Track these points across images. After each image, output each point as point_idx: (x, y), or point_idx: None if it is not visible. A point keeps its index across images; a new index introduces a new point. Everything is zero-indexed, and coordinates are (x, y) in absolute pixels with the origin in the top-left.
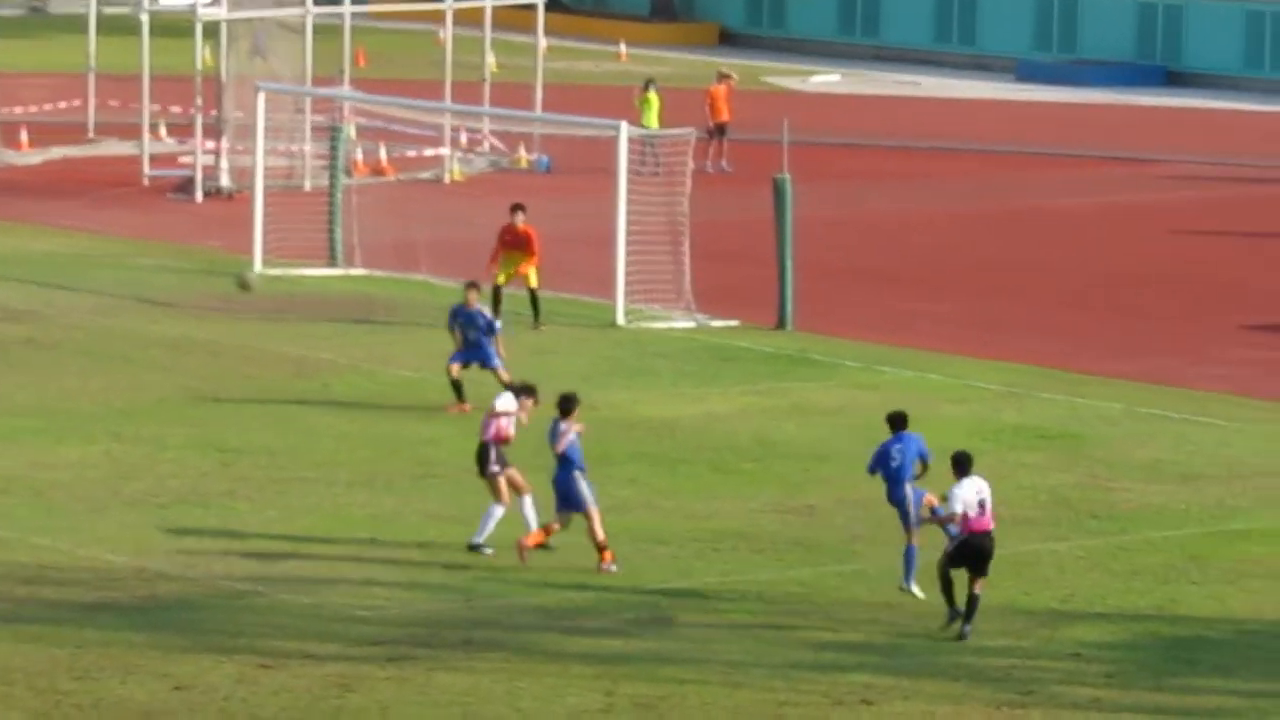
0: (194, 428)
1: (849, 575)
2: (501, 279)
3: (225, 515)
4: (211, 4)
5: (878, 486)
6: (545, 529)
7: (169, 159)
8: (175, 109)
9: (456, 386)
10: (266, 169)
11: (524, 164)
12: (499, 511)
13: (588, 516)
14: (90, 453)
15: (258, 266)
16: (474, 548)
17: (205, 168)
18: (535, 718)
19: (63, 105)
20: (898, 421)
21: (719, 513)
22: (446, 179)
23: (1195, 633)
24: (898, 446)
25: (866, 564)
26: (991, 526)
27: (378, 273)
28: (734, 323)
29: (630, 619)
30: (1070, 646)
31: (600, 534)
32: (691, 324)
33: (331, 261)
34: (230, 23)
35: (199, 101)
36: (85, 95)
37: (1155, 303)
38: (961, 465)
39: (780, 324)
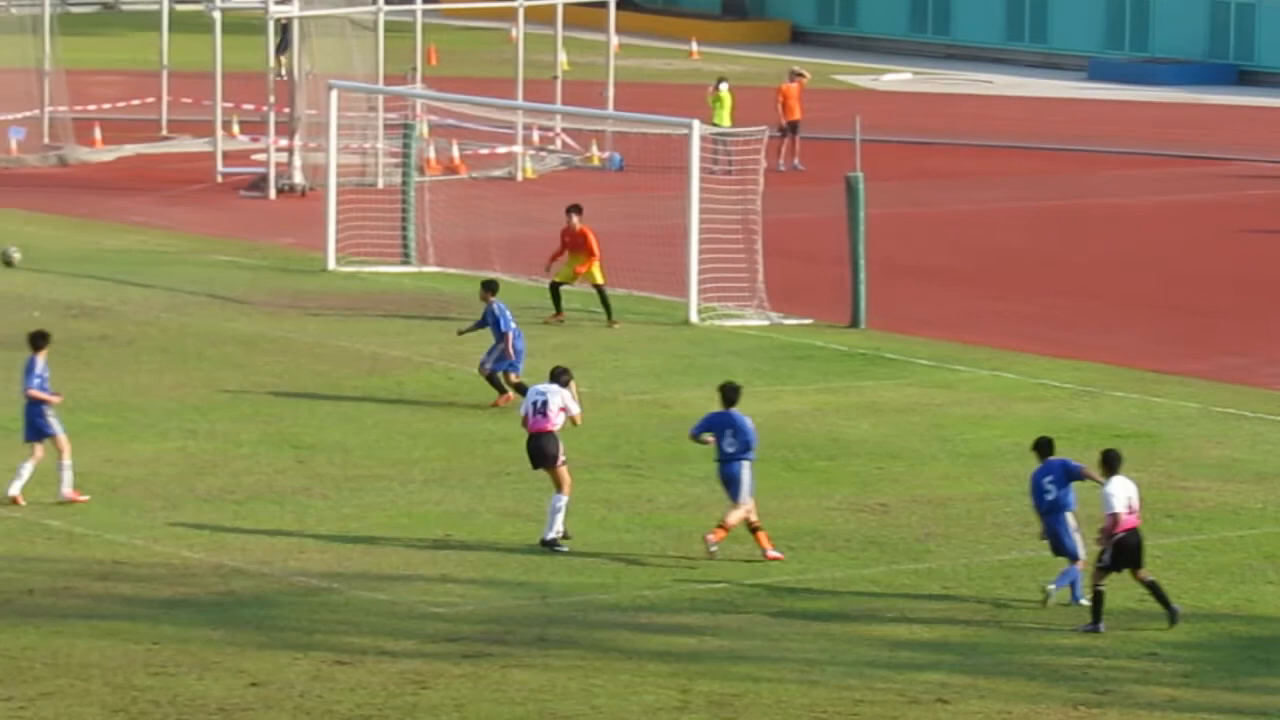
0: (268, 424)
1: (923, 573)
2: (559, 277)
3: (300, 512)
4: (283, 1)
5: (951, 486)
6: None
7: (242, 156)
8: (248, 106)
9: (493, 380)
10: (339, 166)
11: (596, 162)
12: (563, 501)
13: (736, 506)
14: (165, 449)
15: (331, 264)
16: (548, 544)
17: (278, 165)
18: (610, 715)
19: (135, 102)
20: (1044, 448)
21: (793, 510)
22: (519, 177)
23: (1272, 632)
24: (1049, 478)
25: (940, 562)
26: (1139, 522)
27: (450, 270)
28: (807, 321)
29: (705, 616)
30: (1147, 646)
31: (733, 522)
32: (764, 322)
33: (404, 259)
34: (302, 20)
35: (272, 99)
36: (158, 92)
37: (1228, 301)
38: (1111, 463)
39: (853, 322)
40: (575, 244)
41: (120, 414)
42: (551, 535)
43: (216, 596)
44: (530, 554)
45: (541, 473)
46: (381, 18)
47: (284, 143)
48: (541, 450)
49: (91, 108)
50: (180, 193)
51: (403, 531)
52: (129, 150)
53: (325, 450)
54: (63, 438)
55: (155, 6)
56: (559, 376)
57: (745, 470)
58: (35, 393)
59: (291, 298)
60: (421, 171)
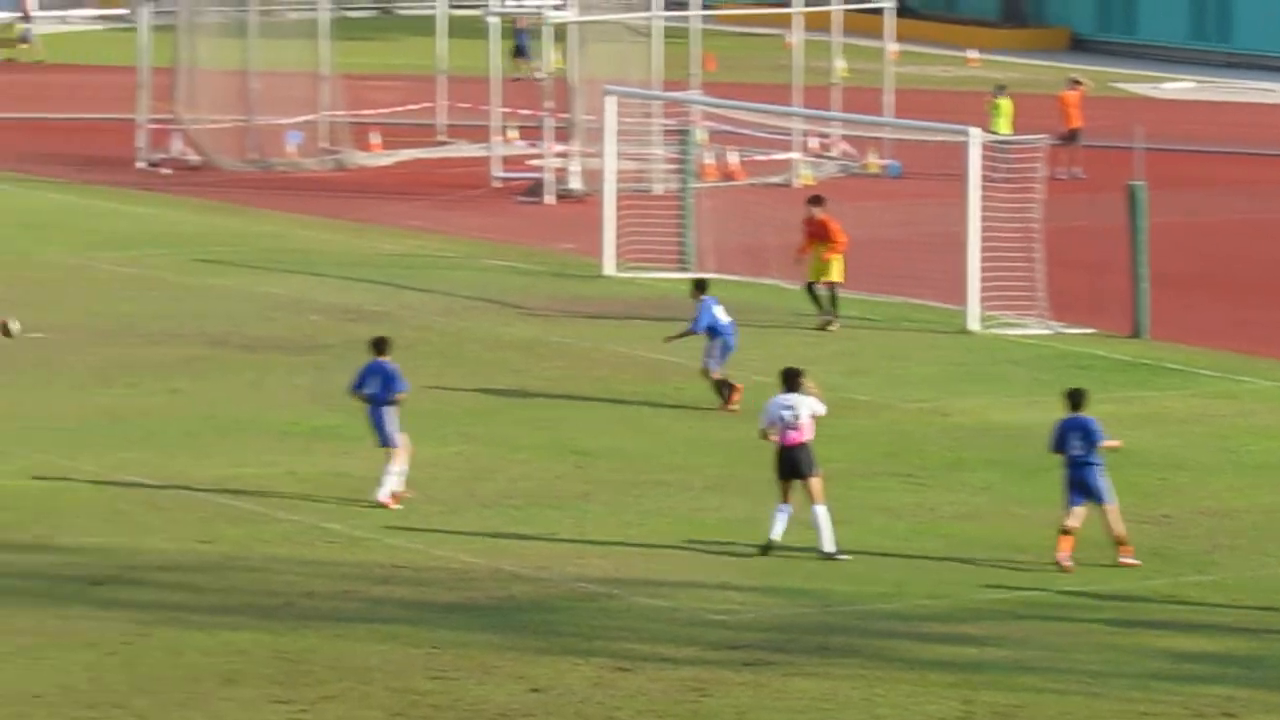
0: (547, 430)
1: (1207, 585)
2: (812, 276)
3: (580, 517)
4: (561, 7)
5: (1237, 497)
6: (1065, 531)
7: (518, 161)
8: (525, 111)
9: (719, 386)
10: (617, 172)
11: (874, 169)
12: (824, 511)
13: (1106, 511)
14: (444, 454)
15: (607, 269)
16: (828, 555)
17: (555, 170)
18: None
19: (413, 107)
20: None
21: None
22: (796, 183)
23: None
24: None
25: (1225, 574)
26: None
27: (728, 276)
28: (1088, 330)
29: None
30: None
31: (1121, 529)
32: (1046, 331)
33: (682, 265)
34: (580, 26)
35: (548, 104)
36: (435, 97)
37: None
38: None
39: (1135, 332)
40: (816, 233)
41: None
42: (829, 548)
43: (496, 601)
44: (811, 561)
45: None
46: (658, 23)
47: (561, 148)
48: (796, 463)
49: (369, 112)
50: (457, 198)
51: (682, 538)
52: (406, 155)
53: (604, 456)
54: (401, 443)
55: (432, 11)
56: (793, 379)
57: (1099, 473)
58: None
59: (569, 303)
60: (699, 178)
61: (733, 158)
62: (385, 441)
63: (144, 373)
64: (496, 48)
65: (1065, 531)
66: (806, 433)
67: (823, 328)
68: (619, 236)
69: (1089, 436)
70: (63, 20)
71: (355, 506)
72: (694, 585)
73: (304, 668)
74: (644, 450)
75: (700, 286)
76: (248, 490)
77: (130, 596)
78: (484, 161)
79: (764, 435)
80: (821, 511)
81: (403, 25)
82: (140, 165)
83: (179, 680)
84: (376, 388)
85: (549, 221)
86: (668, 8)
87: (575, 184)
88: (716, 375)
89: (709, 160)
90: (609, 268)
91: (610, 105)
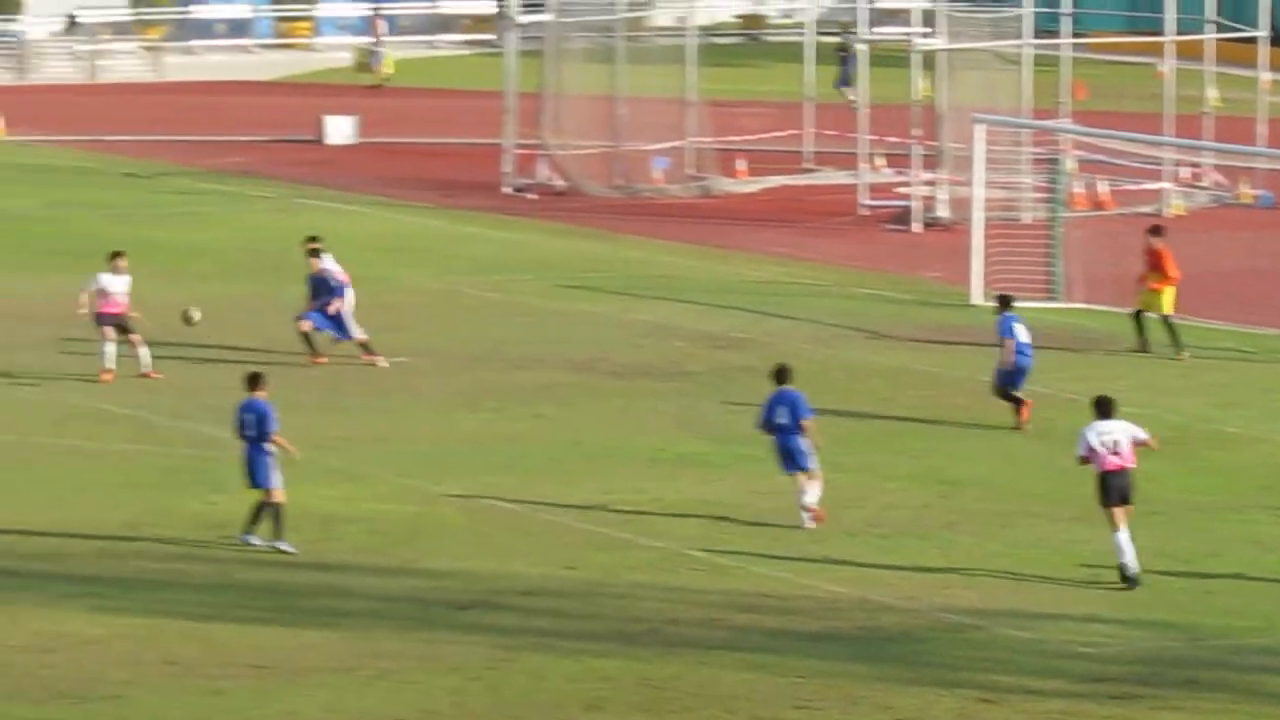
0: (914, 459)
1: None
2: (1140, 305)
3: (946, 547)
4: (929, 35)
5: None
6: None
7: (885, 189)
8: (892, 139)
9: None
10: (985, 200)
11: (1246, 199)
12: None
13: None
14: None
15: (974, 298)
16: (1129, 579)
17: (923, 198)
18: None
19: (779, 134)
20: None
21: None
22: (1167, 213)
23: None
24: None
25: None
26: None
27: (1097, 306)
28: None
29: None
30: None
31: None
32: None
33: (1051, 294)
34: (948, 53)
35: (916, 132)
36: (802, 124)
37: None
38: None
39: None
40: (1152, 263)
41: (765, 445)
42: (1133, 570)
43: (862, 631)
44: (1179, 594)
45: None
46: (1028, 51)
47: (928, 176)
48: (1124, 489)
49: (735, 139)
50: (823, 225)
51: (1050, 569)
52: (772, 182)
53: (971, 485)
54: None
55: (800, 38)
56: (1106, 407)
57: None
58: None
59: (935, 331)
60: (1068, 206)
61: (1102, 187)
62: (797, 467)
63: (509, 398)
64: (865, 74)
65: None
66: (1131, 460)
67: (1140, 349)
68: (986, 265)
69: None
70: (430, 45)
71: (721, 534)
72: (1060, 617)
73: (668, 695)
74: (1011, 480)
75: (1004, 302)
76: (614, 516)
77: (495, 621)
78: (851, 189)
79: (1081, 462)
80: (1124, 536)
81: (770, 52)
82: (506, 190)
83: (542, 706)
84: (785, 417)
85: (916, 249)
86: (1037, 35)
87: (942, 212)
88: (1016, 392)
89: (1078, 189)
90: (976, 296)
91: (979, 133)
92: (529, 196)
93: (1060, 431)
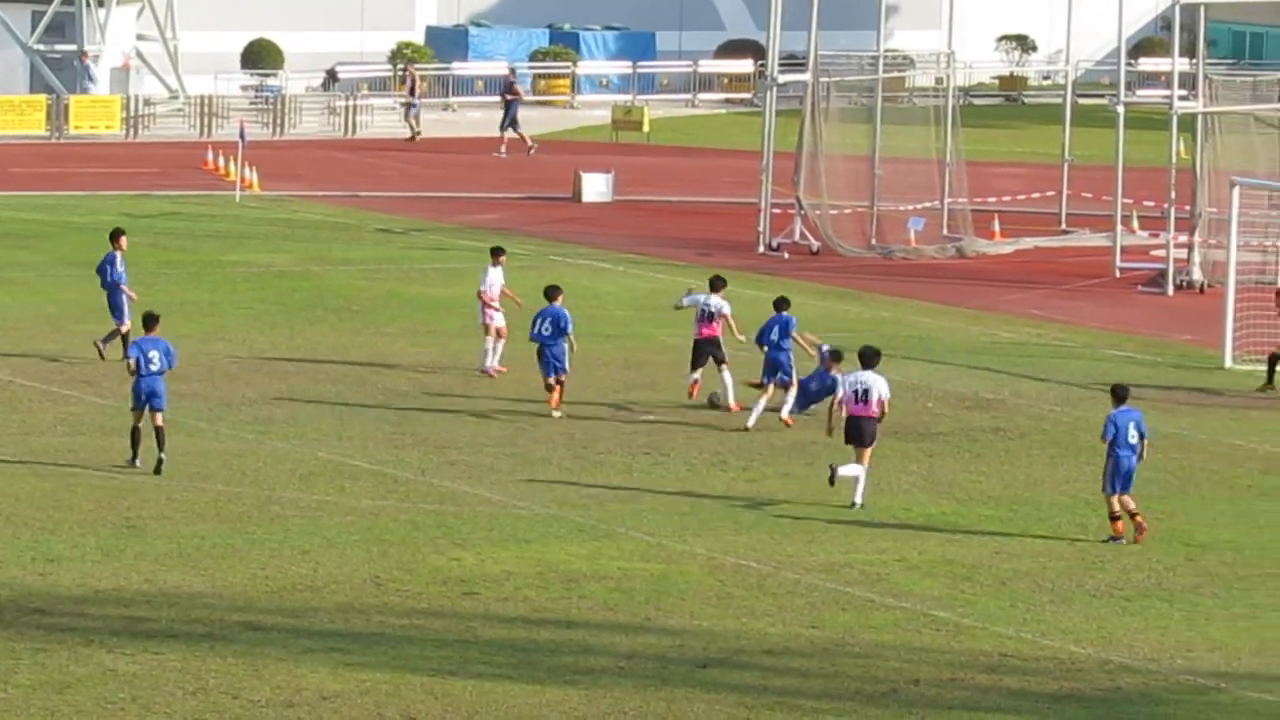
0: (1160, 521)
1: None
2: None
3: (1190, 610)
4: (1188, 97)
5: None
6: None
7: (1140, 251)
8: (1148, 202)
9: None
10: (1239, 263)
11: None
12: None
13: None
14: (1055, 544)
15: (1228, 361)
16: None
17: (1177, 261)
18: None
19: (1035, 195)
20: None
21: None
22: None
23: None
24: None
25: None
26: None
27: None
28: None
29: None
30: None
31: None
32: None
33: None
34: (1206, 116)
35: (1173, 195)
36: (1058, 186)
37: None
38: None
39: None
40: None
41: (1011, 506)
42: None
43: (1103, 693)
44: None
45: None
46: None
47: (1184, 239)
48: (861, 431)
49: (991, 200)
50: (1077, 287)
51: None
52: (1027, 243)
53: (1217, 548)
54: None
55: (1059, 100)
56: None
57: None
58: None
59: (1187, 395)
60: None
61: None
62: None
63: (757, 457)
64: (1122, 137)
65: None
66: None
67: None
68: (1239, 328)
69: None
70: (689, 104)
71: (963, 594)
72: None
73: None
74: (1258, 543)
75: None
76: (857, 575)
77: (737, 680)
78: (1106, 251)
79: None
80: (857, 469)
81: (1028, 114)
82: (760, 249)
83: None
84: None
85: (1170, 312)
86: None
87: (1196, 275)
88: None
89: None
90: (1229, 359)
91: (1236, 196)
92: (784, 256)
93: None
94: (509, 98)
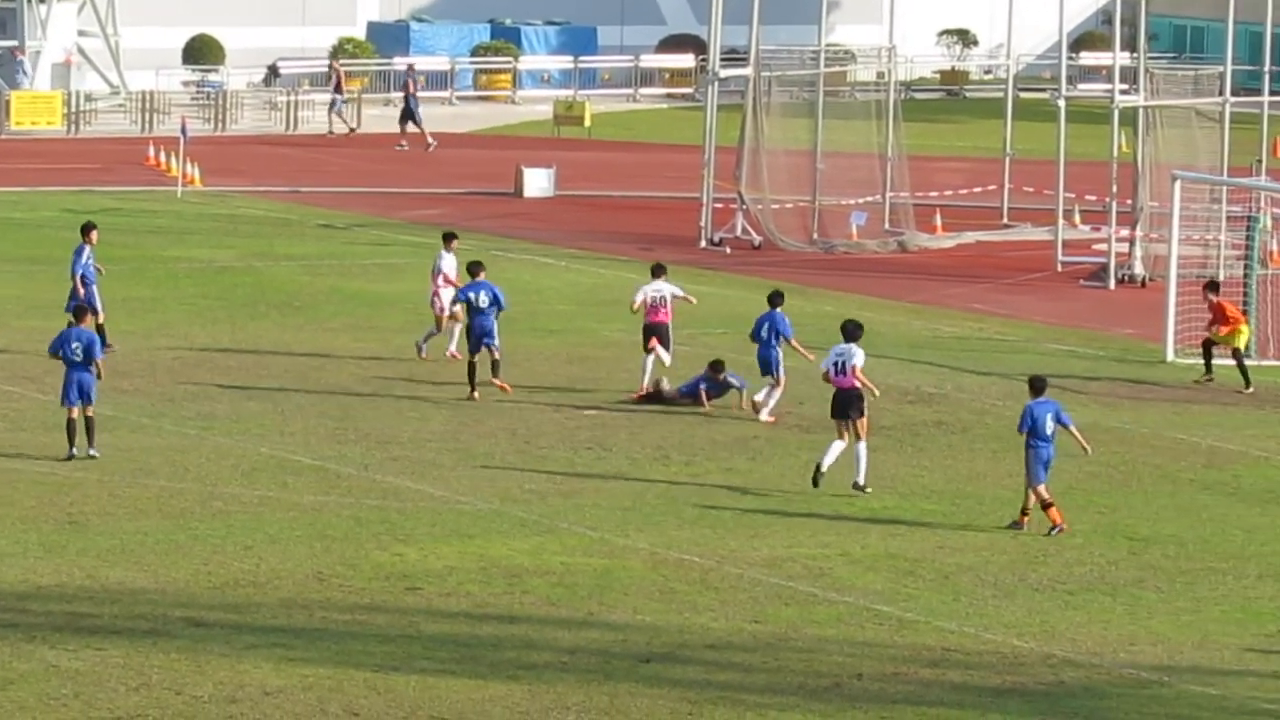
0: (1102, 515)
1: None
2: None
3: (1133, 604)
4: (1129, 91)
5: None
6: None
7: (1082, 245)
8: (1090, 196)
9: None
10: (1180, 258)
11: None
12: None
13: None
14: (997, 538)
15: (1170, 355)
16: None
17: (1118, 255)
18: None
19: (977, 190)
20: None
21: None
22: None
23: None
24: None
25: None
26: None
27: None
28: None
29: None
30: None
31: None
32: None
33: (1245, 352)
34: (1147, 110)
35: (1114, 189)
36: (1000, 180)
37: None
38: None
39: None
40: (1215, 316)
41: (953, 501)
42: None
43: (1046, 687)
44: None
45: None
46: (1227, 109)
47: (1125, 233)
48: (842, 403)
49: (933, 194)
50: (1019, 281)
51: (1236, 627)
52: (969, 237)
53: (1160, 543)
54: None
55: (1000, 94)
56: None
57: None
58: None
59: (1129, 388)
60: (1265, 264)
61: None
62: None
63: (699, 451)
64: (1064, 131)
65: None
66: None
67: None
68: (1180, 322)
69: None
70: (629, 99)
71: (906, 588)
72: (1245, 674)
73: None
74: (1200, 537)
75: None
76: (800, 570)
77: (680, 675)
78: (1047, 245)
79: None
80: (860, 448)
81: (969, 108)
82: (702, 244)
83: None
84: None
85: (1111, 306)
86: (1236, 92)
87: (1138, 269)
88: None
89: (1275, 247)
90: (1170, 354)
91: (1177, 190)
92: (725, 251)
93: (1249, 488)
94: (407, 93)
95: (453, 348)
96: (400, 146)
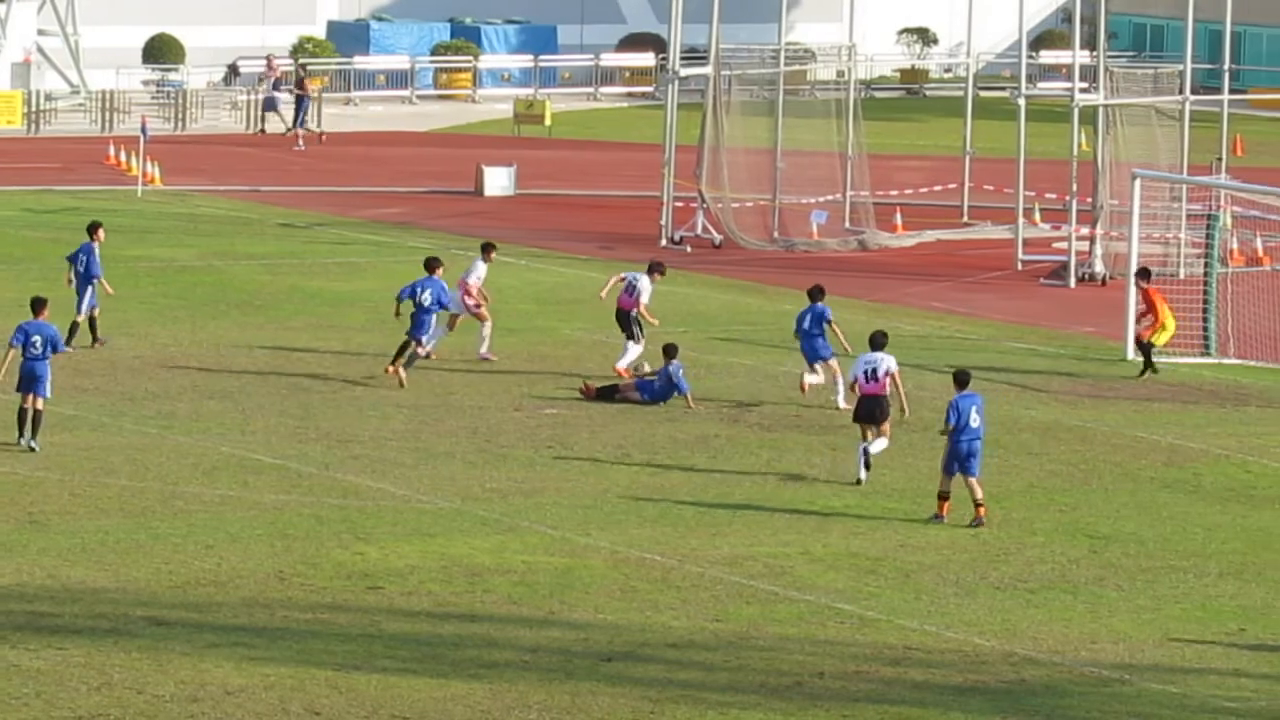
0: (1063, 513)
1: None
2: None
3: (1094, 602)
4: (1089, 90)
5: None
6: None
7: (1043, 244)
8: (1050, 194)
9: None
10: (1141, 256)
11: None
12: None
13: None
14: (959, 535)
15: (1131, 353)
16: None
17: (1079, 253)
18: None
19: (937, 188)
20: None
21: None
22: None
23: None
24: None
25: None
26: None
27: (1252, 363)
28: None
29: None
30: None
31: None
32: None
33: (1204, 350)
34: (1107, 108)
35: (1074, 187)
36: (960, 178)
37: None
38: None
39: None
40: (1146, 305)
41: (914, 499)
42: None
43: (1007, 685)
44: None
45: None
46: (1187, 107)
47: (1086, 231)
48: (869, 409)
49: (893, 193)
50: (979, 279)
51: (1197, 624)
52: (929, 236)
53: (1120, 541)
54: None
55: (960, 93)
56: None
57: None
58: None
59: (1090, 387)
60: (1225, 263)
61: (1259, 243)
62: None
63: (660, 450)
64: (1023, 129)
65: None
66: (883, 386)
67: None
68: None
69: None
70: (590, 97)
71: (868, 586)
72: (1206, 671)
73: None
74: (1161, 536)
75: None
76: (761, 569)
77: (641, 673)
78: (1008, 244)
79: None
80: (877, 445)
81: (930, 106)
82: (663, 243)
83: None
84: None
85: (1072, 305)
86: (1196, 91)
87: (1098, 267)
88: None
89: (1235, 245)
90: (1131, 352)
91: (1137, 188)
92: (686, 249)
93: (1210, 486)
94: (298, 93)
95: (484, 350)
96: (298, 147)
